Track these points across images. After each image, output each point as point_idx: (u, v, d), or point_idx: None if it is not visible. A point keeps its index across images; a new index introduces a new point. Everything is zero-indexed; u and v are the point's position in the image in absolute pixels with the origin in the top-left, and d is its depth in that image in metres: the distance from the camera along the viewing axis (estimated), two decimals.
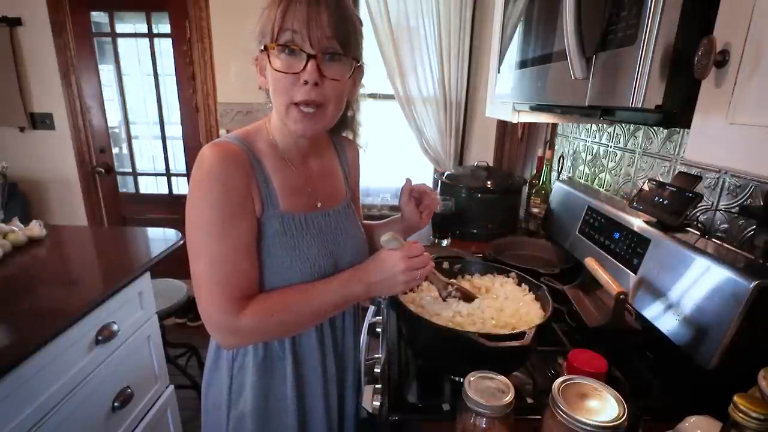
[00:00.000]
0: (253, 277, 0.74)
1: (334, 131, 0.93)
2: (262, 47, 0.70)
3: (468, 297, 0.89)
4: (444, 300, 0.88)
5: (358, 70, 0.77)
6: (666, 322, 0.85)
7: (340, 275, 0.78)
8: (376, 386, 0.86)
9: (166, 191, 2.87)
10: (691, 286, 0.81)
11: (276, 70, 0.68)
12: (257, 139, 0.79)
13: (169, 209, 2.80)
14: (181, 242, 1.59)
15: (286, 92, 0.69)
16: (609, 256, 1.09)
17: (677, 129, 1.10)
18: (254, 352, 0.80)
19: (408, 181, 0.95)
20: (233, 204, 0.70)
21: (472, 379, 0.60)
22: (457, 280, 0.97)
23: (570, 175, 1.77)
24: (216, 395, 0.84)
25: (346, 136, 0.98)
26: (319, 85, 0.69)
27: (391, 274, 0.75)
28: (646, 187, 1.06)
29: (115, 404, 1.25)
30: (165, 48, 2.56)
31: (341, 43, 0.69)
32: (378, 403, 0.80)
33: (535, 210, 1.74)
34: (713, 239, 0.92)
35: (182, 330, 2.72)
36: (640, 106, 0.56)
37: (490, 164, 1.95)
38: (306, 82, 0.67)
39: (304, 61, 0.67)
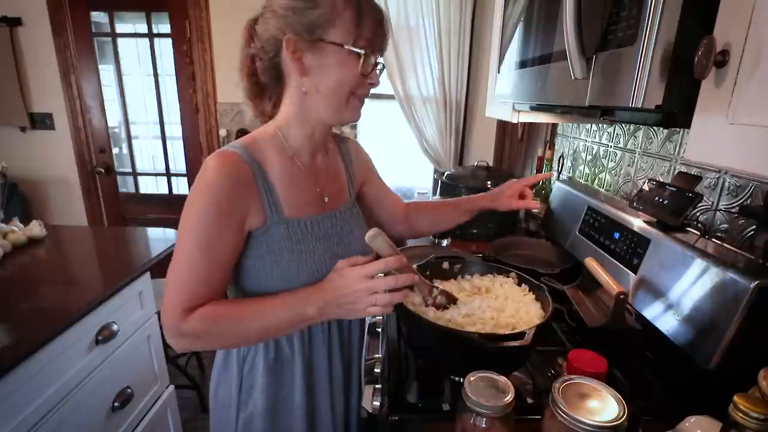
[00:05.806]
0: (218, 291, 0.74)
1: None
2: (331, 41, 0.71)
3: (451, 300, 0.86)
4: (427, 306, 0.85)
5: None
6: (666, 322, 0.85)
7: (304, 290, 0.72)
8: (376, 386, 0.85)
9: (166, 191, 2.87)
10: (691, 286, 0.81)
11: (362, 74, 0.74)
12: (264, 145, 0.78)
13: (169, 209, 2.80)
14: None
15: (351, 87, 0.76)
16: (609, 256, 1.09)
17: (677, 129, 1.10)
18: (265, 353, 0.80)
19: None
20: (221, 219, 0.71)
21: (472, 379, 0.60)
22: (457, 280, 0.98)
23: (570, 175, 1.77)
24: (225, 395, 0.84)
25: (349, 137, 1.00)
26: None
27: (349, 296, 0.67)
28: (646, 187, 1.06)
29: (115, 404, 1.25)
30: (165, 48, 2.56)
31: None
32: (378, 403, 0.80)
33: (535, 210, 1.74)
34: (713, 239, 0.92)
35: None
36: (640, 106, 0.56)
37: (490, 164, 1.94)
38: (372, 84, 0.78)
39: (371, 65, 0.75)
